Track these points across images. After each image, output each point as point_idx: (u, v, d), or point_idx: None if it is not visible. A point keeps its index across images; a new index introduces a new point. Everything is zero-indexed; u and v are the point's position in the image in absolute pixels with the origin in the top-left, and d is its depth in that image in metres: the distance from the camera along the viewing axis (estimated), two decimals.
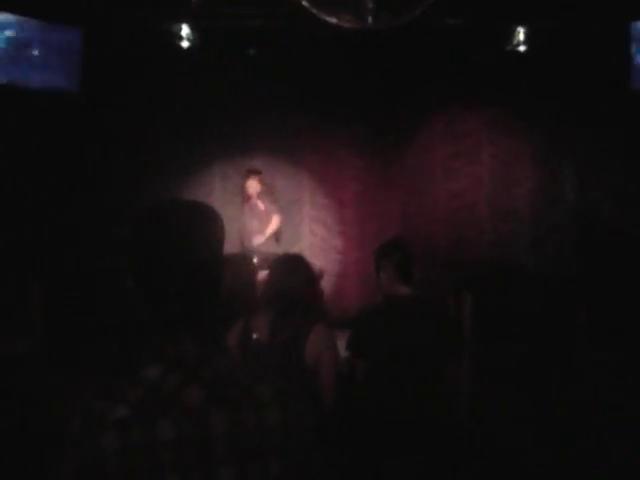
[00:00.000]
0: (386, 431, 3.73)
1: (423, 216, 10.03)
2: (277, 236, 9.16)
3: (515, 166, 9.94)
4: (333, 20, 5.83)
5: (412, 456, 3.68)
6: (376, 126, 9.97)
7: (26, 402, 5.60)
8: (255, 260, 8.35)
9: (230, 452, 1.56)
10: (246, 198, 9.06)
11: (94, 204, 9.32)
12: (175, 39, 8.57)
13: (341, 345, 3.88)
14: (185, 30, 8.53)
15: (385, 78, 9.58)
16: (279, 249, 8.70)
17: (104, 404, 1.55)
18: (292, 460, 1.64)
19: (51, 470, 1.69)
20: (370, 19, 5.69)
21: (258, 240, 8.80)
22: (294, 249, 9.17)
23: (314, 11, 5.71)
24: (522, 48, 8.58)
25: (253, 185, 8.90)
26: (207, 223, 1.72)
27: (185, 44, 8.61)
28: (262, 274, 5.99)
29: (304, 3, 5.59)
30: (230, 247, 8.27)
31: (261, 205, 8.91)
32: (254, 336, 3.70)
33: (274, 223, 8.91)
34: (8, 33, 7.74)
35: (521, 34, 8.51)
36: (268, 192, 9.20)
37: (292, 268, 3.90)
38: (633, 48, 7.98)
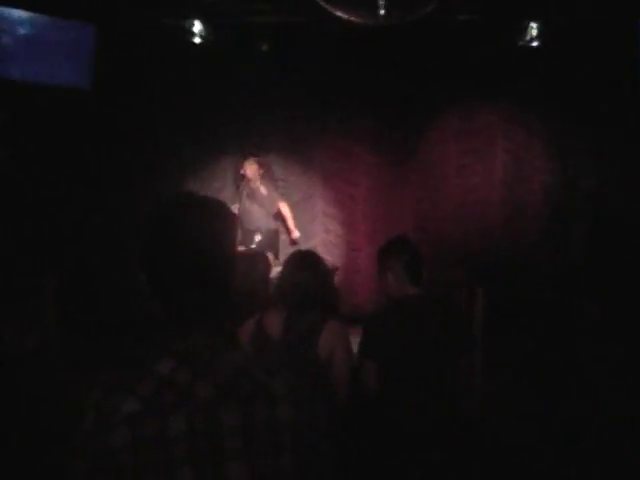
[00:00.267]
0: (398, 429, 3.72)
1: (436, 212, 10.01)
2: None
3: (528, 161, 9.91)
4: (345, 16, 5.84)
5: (424, 454, 3.68)
6: (389, 122, 9.95)
7: (38, 397, 5.62)
8: (258, 238, 8.38)
9: (242, 447, 1.56)
10: (245, 180, 9.03)
11: (106, 201, 9.35)
12: (187, 35, 8.57)
13: (354, 341, 3.87)
14: (197, 26, 8.52)
15: (398, 74, 9.55)
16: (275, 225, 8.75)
17: (116, 399, 1.56)
18: (304, 455, 1.64)
19: (63, 465, 1.69)
20: (382, 15, 5.69)
21: (295, 234, 8.87)
22: (307, 245, 9.18)
23: (327, 7, 5.72)
24: (535, 44, 8.55)
25: (252, 168, 8.88)
26: (219, 219, 1.73)
27: (197, 40, 8.60)
28: (275, 270, 6.00)
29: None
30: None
31: (264, 190, 8.89)
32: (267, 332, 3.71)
33: (287, 212, 8.93)
34: (21, 30, 7.75)
35: (534, 29, 8.48)
36: (267, 176, 9.18)
37: (305, 264, 3.90)
38: None
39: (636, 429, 5.09)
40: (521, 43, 8.61)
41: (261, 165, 8.94)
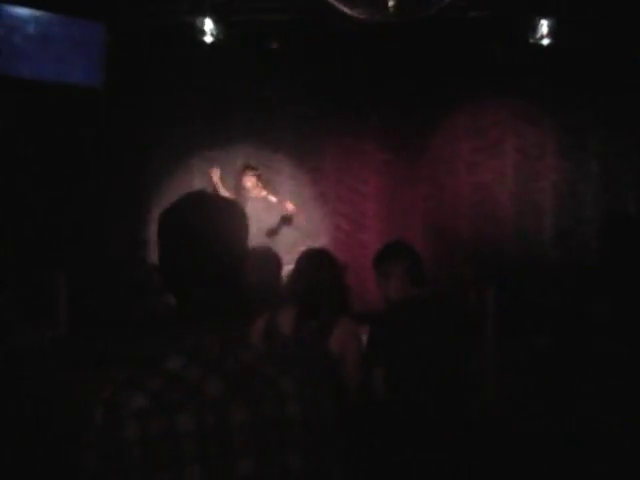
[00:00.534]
0: (408, 430, 3.72)
1: (446, 209, 10.00)
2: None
3: (539, 159, 9.90)
4: (355, 14, 5.83)
5: (434, 454, 3.67)
6: (400, 120, 9.94)
7: (49, 393, 5.63)
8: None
9: (251, 444, 1.57)
10: (245, 192, 9.00)
11: (115, 198, 9.38)
12: (198, 34, 8.56)
13: (366, 339, 3.87)
14: (208, 25, 8.52)
15: (408, 71, 9.55)
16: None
17: (125, 395, 1.57)
18: (314, 453, 1.64)
19: (73, 461, 1.69)
20: (393, 12, 5.69)
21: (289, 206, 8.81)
22: (318, 243, 9.17)
23: (337, 5, 5.71)
24: (546, 41, 8.53)
25: (252, 180, 8.87)
26: (232, 217, 1.73)
27: (208, 39, 8.60)
28: (287, 268, 5.99)
29: None
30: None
31: (272, 198, 8.87)
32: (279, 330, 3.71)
33: (290, 209, 8.86)
34: (30, 28, 7.77)
35: (545, 27, 8.46)
36: (266, 184, 9.13)
37: (317, 262, 3.90)
38: None
39: None
40: (532, 40, 8.59)
41: (259, 176, 8.91)
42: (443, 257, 9.65)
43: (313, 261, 3.93)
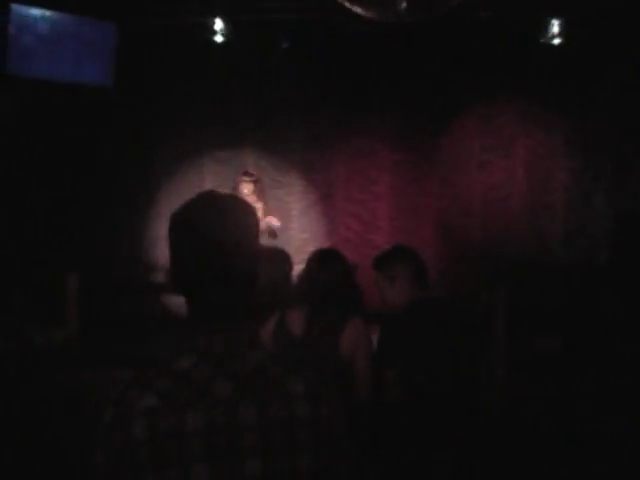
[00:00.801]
0: (420, 429, 3.71)
1: (457, 209, 9.98)
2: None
3: (550, 159, 9.87)
4: (366, 14, 5.83)
5: (445, 452, 3.67)
6: (411, 119, 9.93)
7: (60, 393, 5.64)
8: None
9: (259, 444, 1.57)
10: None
11: (127, 197, 9.42)
12: (208, 33, 8.57)
13: (376, 339, 3.87)
14: (218, 24, 8.52)
15: (419, 72, 9.54)
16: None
17: (134, 394, 1.58)
18: (323, 453, 1.64)
19: (83, 460, 1.71)
20: (403, 13, 5.68)
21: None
22: (328, 243, 9.18)
23: (348, 5, 5.71)
24: (557, 41, 8.51)
25: (248, 187, 8.86)
26: (242, 216, 1.74)
27: (218, 39, 8.60)
28: (298, 268, 6.00)
29: None
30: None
31: (260, 213, 8.80)
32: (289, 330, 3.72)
33: (275, 224, 8.80)
34: (41, 28, 7.78)
35: (555, 26, 8.44)
36: (261, 193, 9.09)
37: (327, 262, 3.90)
38: None
39: None
40: (543, 40, 8.57)
41: (255, 183, 8.89)
42: (454, 256, 9.64)
43: (323, 261, 3.93)
